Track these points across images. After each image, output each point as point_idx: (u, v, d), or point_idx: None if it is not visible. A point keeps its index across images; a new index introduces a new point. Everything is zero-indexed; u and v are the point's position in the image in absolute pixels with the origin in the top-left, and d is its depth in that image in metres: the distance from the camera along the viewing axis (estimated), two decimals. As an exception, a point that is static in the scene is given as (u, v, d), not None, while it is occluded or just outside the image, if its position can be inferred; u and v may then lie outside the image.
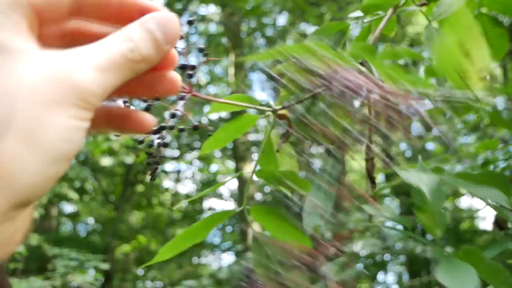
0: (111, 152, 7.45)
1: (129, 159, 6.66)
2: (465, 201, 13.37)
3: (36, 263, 6.62)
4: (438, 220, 0.62)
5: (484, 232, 11.34)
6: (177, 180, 10.02)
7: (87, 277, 5.68)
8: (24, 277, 5.46)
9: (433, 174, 0.57)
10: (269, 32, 7.42)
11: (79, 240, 9.22)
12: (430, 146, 6.96)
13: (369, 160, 0.78)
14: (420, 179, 0.55)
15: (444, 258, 0.63)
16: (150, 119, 0.39)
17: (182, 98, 0.55)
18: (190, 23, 0.52)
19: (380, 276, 12.39)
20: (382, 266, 12.07)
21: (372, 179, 0.78)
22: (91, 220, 10.76)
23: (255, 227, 0.68)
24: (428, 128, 0.47)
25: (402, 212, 10.46)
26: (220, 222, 0.69)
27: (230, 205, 10.70)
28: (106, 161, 9.33)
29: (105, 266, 5.62)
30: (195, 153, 9.09)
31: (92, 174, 8.22)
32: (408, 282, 10.81)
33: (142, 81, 0.37)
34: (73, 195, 6.90)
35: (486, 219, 12.72)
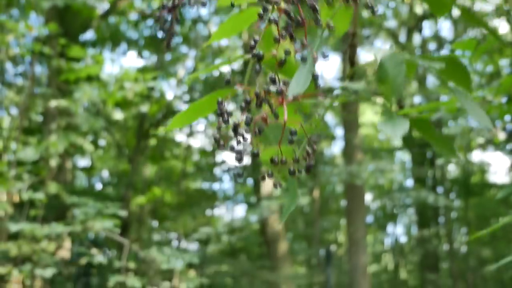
0: (124, 103, 7.44)
1: (144, 107, 6.63)
2: (477, 155, 13.30)
3: (55, 211, 6.76)
4: (395, 90, 0.73)
5: (494, 185, 11.37)
6: (190, 134, 10.04)
7: (106, 223, 5.81)
8: (45, 224, 5.60)
9: (397, 55, 0.73)
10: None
11: (95, 192, 9.38)
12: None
13: (351, 46, 0.92)
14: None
15: (389, 114, 0.74)
16: None
17: None
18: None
19: (390, 228, 12.58)
20: (392, 218, 12.23)
21: (352, 62, 0.95)
22: (105, 174, 10.91)
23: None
24: None
25: (414, 165, 10.49)
26: (224, 97, 0.74)
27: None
28: (118, 115, 9.34)
29: (122, 213, 5.73)
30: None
31: (106, 126, 8.25)
32: (417, 233, 10.98)
33: None
34: (88, 146, 6.95)
35: (497, 173, 12.69)
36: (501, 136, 9.83)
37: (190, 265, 8.96)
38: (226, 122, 0.64)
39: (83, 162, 10.25)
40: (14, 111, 7.79)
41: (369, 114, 11.93)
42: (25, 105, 7.00)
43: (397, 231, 12.32)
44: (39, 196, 5.70)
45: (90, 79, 6.71)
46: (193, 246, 9.79)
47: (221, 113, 0.66)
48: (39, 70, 7.94)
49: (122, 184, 9.14)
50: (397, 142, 10.70)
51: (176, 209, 10.06)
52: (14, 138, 6.71)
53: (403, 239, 12.53)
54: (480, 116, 0.72)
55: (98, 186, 11.02)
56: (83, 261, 6.21)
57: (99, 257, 6.26)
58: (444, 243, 10.31)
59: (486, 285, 11.12)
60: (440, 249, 10.01)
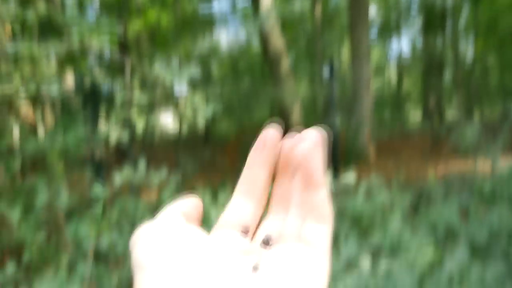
0: None
1: None
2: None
3: (49, 35, 6.60)
4: None
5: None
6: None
7: (103, 41, 5.69)
8: (40, 41, 5.48)
9: None
10: None
11: (88, 23, 9.04)
12: None
13: None
14: None
15: None
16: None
17: None
18: None
19: (394, 42, 12.38)
20: (397, 30, 11.90)
21: None
22: (96, 5, 10.41)
23: None
24: None
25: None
26: None
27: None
28: None
29: (119, 28, 5.55)
30: None
31: None
32: (422, 41, 10.77)
33: None
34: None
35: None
36: None
37: (194, 88, 9.09)
38: None
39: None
40: None
41: None
42: None
43: (402, 44, 12.12)
44: (30, 14, 5.47)
45: None
46: (195, 68, 9.79)
47: None
48: None
49: (115, 12, 8.75)
50: None
51: (174, 34, 9.82)
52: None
53: (407, 53, 12.41)
54: None
55: (91, 17, 10.61)
56: (88, 83, 6.25)
57: (102, 77, 6.29)
58: (450, 51, 10.17)
59: (489, 92, 11.30)
60: (445, 56, 9.90)
